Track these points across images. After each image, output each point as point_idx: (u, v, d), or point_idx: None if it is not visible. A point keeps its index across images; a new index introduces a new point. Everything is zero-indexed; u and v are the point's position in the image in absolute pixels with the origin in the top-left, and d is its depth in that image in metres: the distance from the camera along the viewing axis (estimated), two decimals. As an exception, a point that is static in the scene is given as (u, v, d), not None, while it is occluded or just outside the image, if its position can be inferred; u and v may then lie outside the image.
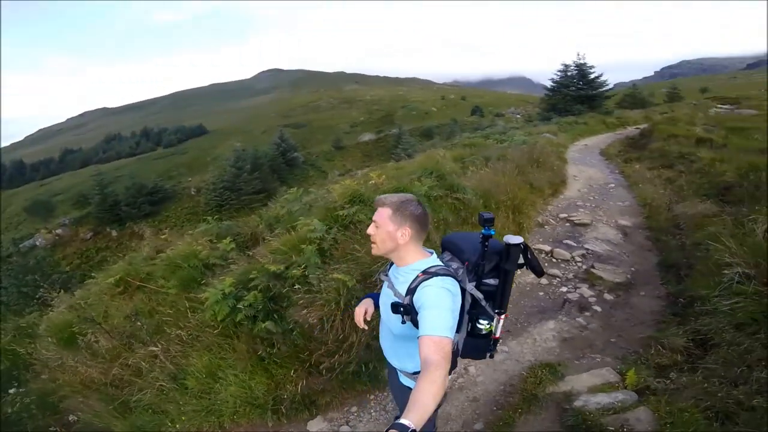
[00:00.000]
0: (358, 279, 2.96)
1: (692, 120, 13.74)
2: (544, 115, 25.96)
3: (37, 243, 34.11)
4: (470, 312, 1.64)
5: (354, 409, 2.89)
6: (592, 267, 4.60)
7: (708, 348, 2.81)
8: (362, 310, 1.86)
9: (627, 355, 3.10)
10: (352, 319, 2.84)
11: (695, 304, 3.34)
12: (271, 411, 2.74)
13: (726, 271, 3.24)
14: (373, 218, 1.56)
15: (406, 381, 1.73)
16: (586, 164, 10.60)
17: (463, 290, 1.58)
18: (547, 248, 5.11)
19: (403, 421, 1.04)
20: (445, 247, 1.79)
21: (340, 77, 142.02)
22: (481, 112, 58.91)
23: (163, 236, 5.18)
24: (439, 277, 1.45)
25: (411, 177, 4.76)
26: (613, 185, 8.33)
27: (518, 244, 1.56)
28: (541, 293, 4.24)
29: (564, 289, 4.27)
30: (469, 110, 61.91)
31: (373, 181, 4.44)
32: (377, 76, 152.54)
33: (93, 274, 5.00)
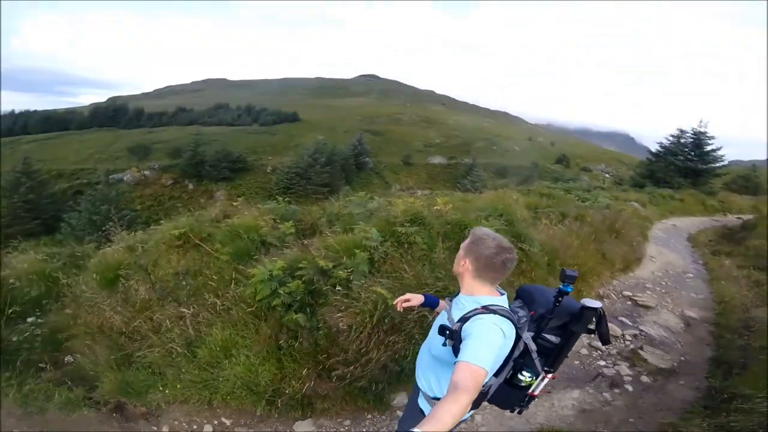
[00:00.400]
0: (398, 298, 2.99)
1: (812, 221, 11.80)
2: (637, 180, 23.86)
3: (125, 178, 38.26)
4: (516, 360, 1.64)
5: (347, 422, 2.87)
6: (640, 348, 4.27)
7: None
8: (408, 297, 1.99)
9: None
10: (379, 335, 2.91)
11: (734, 401, 3.08)
12: (266, 401, 2.75)
13: None
14: None
15: (422, 403, 1.77)
16: (668, 247, 9.61)
17: (518, 337, 1.60)
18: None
19: (416, 430, 1.06)
20: (518, 295, 1.82)
21: (429, 96, 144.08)
22: (567, 162, 55.92)
23: (235, 203, 5.52)
24: (498, 316, 1.49)
25: (478, 214, 4.71)
26: (691, 276, 7.48)
27: (595, 308, 1.55)
28: (577, 362, 4.02)
29: (602, 362, 4.03)
30: (554, 157, 59.02)
31: (438, 207, 4.48)
32: (465, 103, 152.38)
33: (160, 221, 5.04)
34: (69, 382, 2.98)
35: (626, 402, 3.40)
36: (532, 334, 1.60)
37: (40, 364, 3.17)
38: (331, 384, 2.83)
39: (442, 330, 1.57)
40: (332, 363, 2.84)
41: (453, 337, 1.52)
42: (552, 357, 1.61)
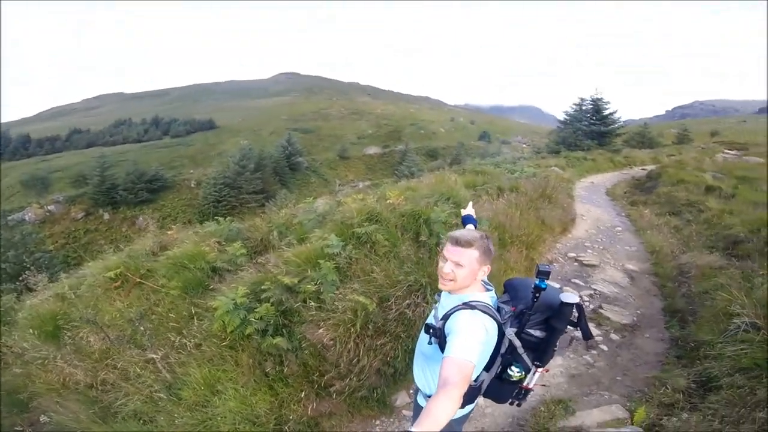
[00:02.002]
0: (377, 302, 2.91)
1: (700, 165, 13.87)
2: (552, 147, 26.13)
3: (26, 217, 33.65)
4: (504, 356, 1.63)
5: None
6: (600, 307, 4.62)
7: (709, 389, 2.89)
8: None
9: (632, 394, 3.14)
10: (365, 341, 2.84)
11: (701, 348, 3.42)
12: (273, 431, 2.65)
13: (735, 320, 3.34)
14: (452, 258, 1.56)
15: (422, 401, 1.80)
16: (593, 204, 10.62)
17: (502, 333, 1.60)
18: (557, 286, 5.09)
19: (414, 430, 1.09)
20: (505, 289, 1.81)
21: (354, 88, 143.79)
22: (488, 137, 59.53)
23: (170, 231, 5.02)
24: (477, 311, 1.51)
25: (427, 201, 4.73)
26: (620, 228, 8.32)
27: (572, 304, 1.54)
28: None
29: (570, 327, 4.30)
30: (476, 134, 62.56)
31: (391, 201, 4.41)
32: (390, 91, 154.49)
33: (83, 259, 4.77)
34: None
35: (607, 362, 3.67)
36: (515, 330, 1.60)
37: (17, 428, 3.01)
38: (332, 400, 2.76)
39: (428, 328, 1.61)
40: (327, 379, 2.75)
41: (438, 335, 1.55)
42: (539, 351, 1.61)
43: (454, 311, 1.52)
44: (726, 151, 21.31)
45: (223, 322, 2.82)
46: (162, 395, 2.77)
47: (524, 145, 53.82)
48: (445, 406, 1.18)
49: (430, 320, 1.69)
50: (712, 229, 6.82)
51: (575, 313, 1.58)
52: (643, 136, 33.51)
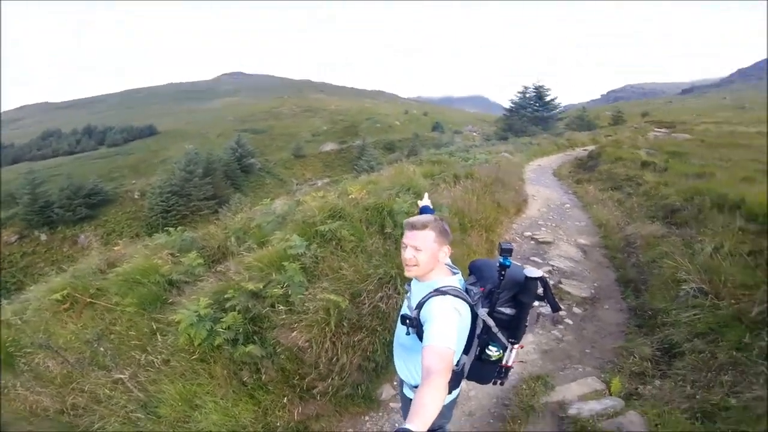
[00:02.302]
0: (349, 299, 2.86)
1: (635, 143, 15.03)
2: (501, 134, 27.30)
3: (-51, 244, 29.91)
4: (480, 337, 1.65)
5: (350, 431, 2.80)
6: (560, 283, 4.84)
7: (673, 356, 3.08)
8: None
9: (604, 365, 3.30)
10: (342, 339, 2.79)
11: (658, 316, 3.65)
12: None
13: (683, 287, 3.59)
14: (411, 243, 1.59)
15: (407, 392, 1.80)
16: (542, 184, 11.20)
17: (476, 315, 1.62)
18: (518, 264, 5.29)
19: (408, 426, 1.06)
20: (471, 271, 1.83)
21: (306, 85, 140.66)
22: (441, 128, 60.80)
23: (117, 247, 4.65)
24: (449, 296, 1.52)
25: (388, 193, 4.72)
26: (568, 205, 8.84)
27: (536, 278, 1.57)
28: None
29: (536, 303, 4.47)
30: (430, 126, 63.68)
31: (353, 196, 4.35)
32: (344, 87, 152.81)
33: (29, 287, 4.35)
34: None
35: (574, 335, 3.83)
36: (487, 309, 1.62)
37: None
38: (317, 402, 2.70)
39: (404, 319, 1.62)
40: (308, 382, 2.68)
41: (414, 325, 1.55)
42: (512, 328, 1.64)
43: (427, 299, 1.52)
44: (656, 129, 23.27)
45: (188, 335, 2.66)
46: (140, 415, 2.64)
47: (475, 134, 55.53)
48: (433, 397, 1.18)
49: (405, 311, 1.69)
50: (651, 200, 7.40)
51: (540, 288, 1.62)
52: (582, 120, 35.85)
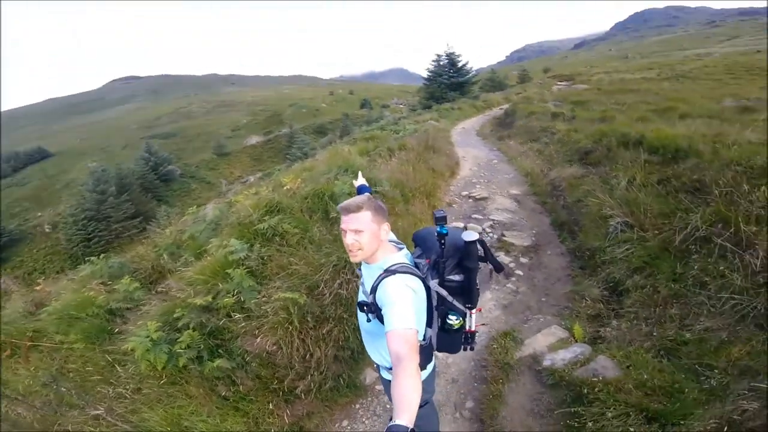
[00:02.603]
0: (306, 292, 2.78)
1: (543, 97, 16.18)
2: (424, 103, 27.81)
3: None
4: (438, 308, 1.66)
5: (345, 423, 2.78)
6: (503, 235, 5.10)
7: (620, 294, 3.25)
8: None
9: (561, 311, 3.48)
10: (309, 333, 2.73)
11: (595, 256, 3.88)
12: None
13: (611, 222, 3.86)
14: (349, 227, 1.54)
15: (385, 374, 1.81)
16: (469, 145, 11.71)
17: (428, 287, 1.62)
18: (461, 224, 5.51)
19: (398, 422, 1.07)
20: (416, 243, 1.82)
21: (212, 80, 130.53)
22: (369, 104, 60.43)
23: (38, 287, 4.12)
24: (399, 275, 1.51)
25: (326, 177, 4.62)
26: (496, 161, 9.37)
27: (474, 241, 1.59)
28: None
29: (481, 265, 4.69)
30: (358, 104, 62.99)
31: (288, 186, 4.19)
32: (257, 76, 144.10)
33: None
34: None
35: (527, 285, 3.99)
36: (437, 280, 1.62)
37: None
38: (303, 401, 2.64)
39: (361, 306, 1.60)
40: (288, 383, 2.60)
41: (372, 310, 1.55)
42: (465, 294, 1.64)
43: (379, 282, 1.51)
44: (558, 83, 25.21)
45: (148, 361, 2.47)
46: None
47: (401, 106, 56.05)
48: (410, 385, 1.19)
49: (361, 297, 1.67)
50: (566, 146, 8.01)
51: (481, 250, 1.65)
52: (493, 81, 37.77)
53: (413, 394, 1.16)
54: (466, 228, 1.72)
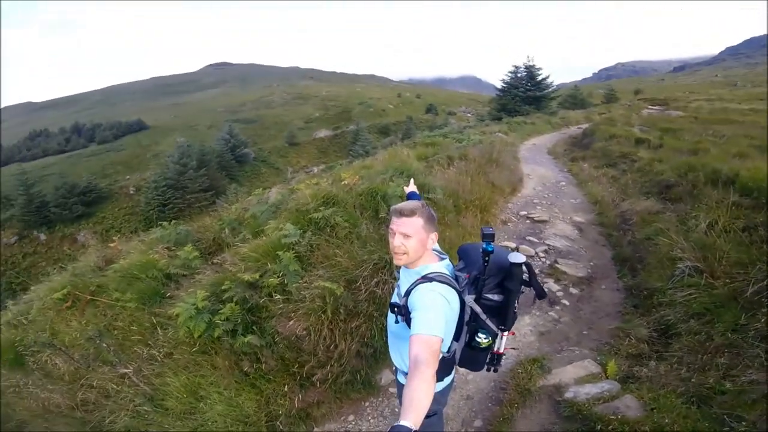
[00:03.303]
0: (344, 285, 2.86)
1: (629, 121, 14.95)
2: (494, 114, 27.03)
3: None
4: (469, 324, 1.63)
5: (351, 417, 2.83)
6: (556, 262, 4.82)
7: (670, 337, 3.05)
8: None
9: (600, 347, 3.29)
10: (339, 326, 2.81)
11: (654, 296, 3.61)
12: (266, 428, 2.60)
13: (678, 265, 3.55)
14: (399, 230, 1.55)
15: (401, 378, 1.81)
16: (537, 163, 11.16)
17: (464, 301, 1.59)
18: (513, 245, 5.29)
19: (403, 422, 1.06)
20: (460, 256, 1.80)
21: (294, 72, 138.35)
22: (435, 110, 60.32)
23: (112, 244, 4.64)
24: (435, 283, 1.50)
25: (382, 177, 4.69)
26: (563, 183, 8.83)
27: (520, 264, 1.54)
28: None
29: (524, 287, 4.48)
30: (423, 108, 63.20)
31: (346, 182, 4.32)
32: (333, 72, 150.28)
33: (32, 287, 4.37)
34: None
35: (571, 316, 3.81)
36: (474, 296, 1.59)
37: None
38: (317, 389, 2.71)
39: (392, 307, 1.61)
40: (308, 369, 2.69)
41: (402, 312, 1.54)
42: (501, 315, 1.60)
43: (414, 286, 1.51)
44: (649, 107, 23.12)
45: (188, 328, 2.67)
46: (147, 408, 2.67)
47: (469, 115, 55.14)
48: (423, 389, 1.18)
49: (394, 299, 1.68)
50: (646, 176, 7.36)
51: (525, 274, 1.58)
52: (575, 98, 35.63)
53: (424, 398, 1.16)
54: (517, 249, 1.67)
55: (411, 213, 1.54)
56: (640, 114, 18.46)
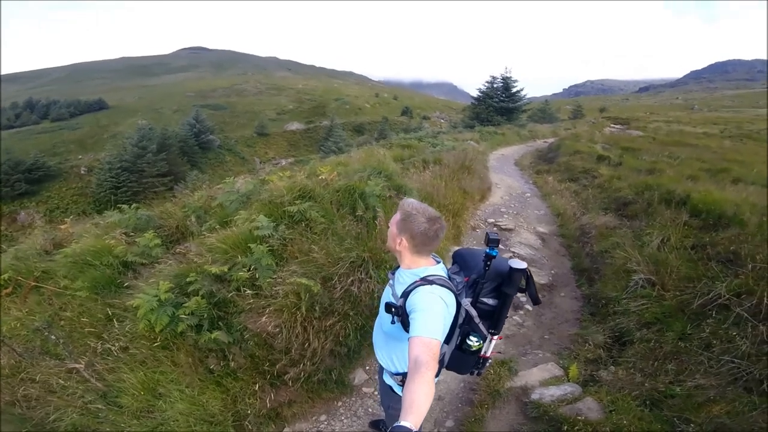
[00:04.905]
0: (320, 283, 2.80)
1: (592, 138, 15.76)
2: (467, 122, 27.63)
3: None
4: (462, 327, 1.66)
5: (323, 417, 2.79)
6: (521, 270, 5.00)
7: (624, 344, 3.25)
8: None
9: (561, 351, 3.45)
10: (313, 324, 2.75)
11: (609, 305, 3.83)
12: (234, 428, 2.49)
13: (633, 277, 3.78)
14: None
15: (388, 380, 1.80)
16: (505, 173, 11.51)
17: (459, 304, 1.62)
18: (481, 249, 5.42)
19: (403, 423, 1.07)
20: (454, 260, 1.82)
21: (272, 62, 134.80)
22: (410, 113, 60.81)
23: (63, 225, 4.26)
24: (435, 286, 1.51)
25: (360, 175, 4.66)
26: (529, 194, 9.16)
27: (521, 270, 1.58)
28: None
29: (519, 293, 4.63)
30: (399, 110, 63.59)
31: (323, 177, 4.25)
32: (312, 66, 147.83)
33: None
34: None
35: (533, 321, 3.98)
36: (470, 299, 1.63)
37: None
38: (289, 389, 2.65)
39: (389, 308, 1.58)
40: (279, 368, 2.61)
41: (399, 313, 1.54)
42: (494, 319, 1.66)
43: (414, 288, 1.51)
44: (612, 125, 24.51)
45: (148, 321, 2.50)
46: (99, 405, 2.48)
47: (442, 120, 56.01)
48: (424, 391, 1.19)
49: (389, 299, 1.66)
50: (605, 192, 7.74)
51: (524, 280, 1.62)
52: (544, 112, 37.15)
53: (424, 400, 1.17)
54: (512, 256, 1.69)
55: (400, 206, 1.62)
56: (603, 132, 19.51)
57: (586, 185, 8.92)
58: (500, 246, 5.80)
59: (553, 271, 5.14)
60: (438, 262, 1.67)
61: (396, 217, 1.62)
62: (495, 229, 6.59)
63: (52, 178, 33.12)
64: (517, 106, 27.89)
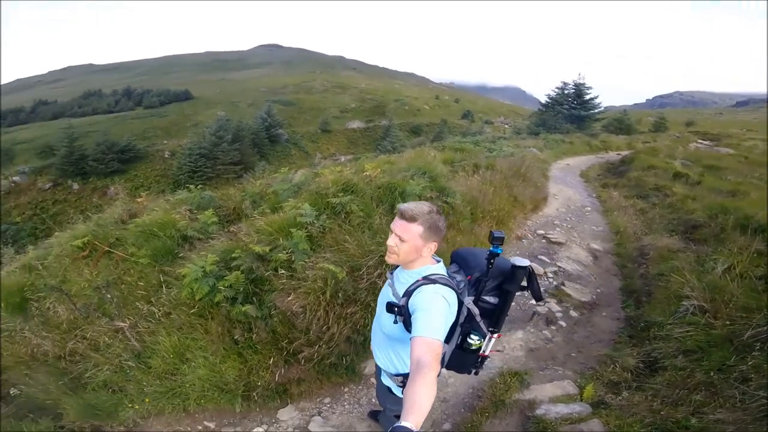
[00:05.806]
0: (347, 271, 2.95)
1: (672, 153, 14.34)
2: (533, 129, 26.46)
3: (-12, 189, 31.79)
4: (463, 326, 1.65)
5: (327, 400, 2.89)
6: (562, 284, 4.78)
7: (655, 370, 3.03)
8: None
9: (585, 370, 3.28)
10: (335, 309, 2.89)
11: (651, 329, 3.56)
12: (242, 397, 2.67)
13: (684, 303, 3.48)
14: (397, 231, 1.53)
15: (386, 380, 1.79)
16: (566, 184, 10.88)
17: (461, 303, 1.61)
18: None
19: (404, 424, 1.05)
20: (453, 259, 1.82)
21: (338, 62, 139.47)
22: (471, 117, 59.52)
23: (140, 199, 4.87)
24: (439, 285, 1.49)
25: (403, 174, 4.76)
26: (589, 209, 8.59)
27: (524, 267, 1.56)
28: (514, 304, 4.39)
29: (534, 302, 4.44)
30: (460, 113, 62.47)
31: (368, 173, 4.42)
32: (375, 66, 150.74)
33: (52, 230, 4.57)
34: (30, 415, 2.70)
35: (564, 337, 3.80)
36: (473, 298, 1.61)
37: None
38: (301, 367, 2.78)
39: (390, 307, 1.56)
40: (296, 346, 2.76)
41: (402, 313, 1.51)
42: (494, 317, 1.64)
43: (417, 287, 1.50)
44: (700, 141, 21.99)
45: (191, 289, 2.77)
46: (131, 364, 2.73)
47: (506, 126, 54.03)
48: (425, 392, 1.18)
49: (390, 298, 1.63)
50: (675, 213, 7.09)
51: (525, 277, 1.60)
52: (621, 122, 34.18)
53: (426, 401, 1.15)
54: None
55: (411, 219, 1.50)
56: (686, 147, 17.63)
57: (655, 203, 8.20)
58: (545, 259, 5.61)
59: (598, 290, 4.84)
60: (438, 261, 1.66)
61: (414, 230, 1.51)
62: (544, 241, 6.33)
63: (140, 159, 37.32)
64: (589, 114, 26.17)
